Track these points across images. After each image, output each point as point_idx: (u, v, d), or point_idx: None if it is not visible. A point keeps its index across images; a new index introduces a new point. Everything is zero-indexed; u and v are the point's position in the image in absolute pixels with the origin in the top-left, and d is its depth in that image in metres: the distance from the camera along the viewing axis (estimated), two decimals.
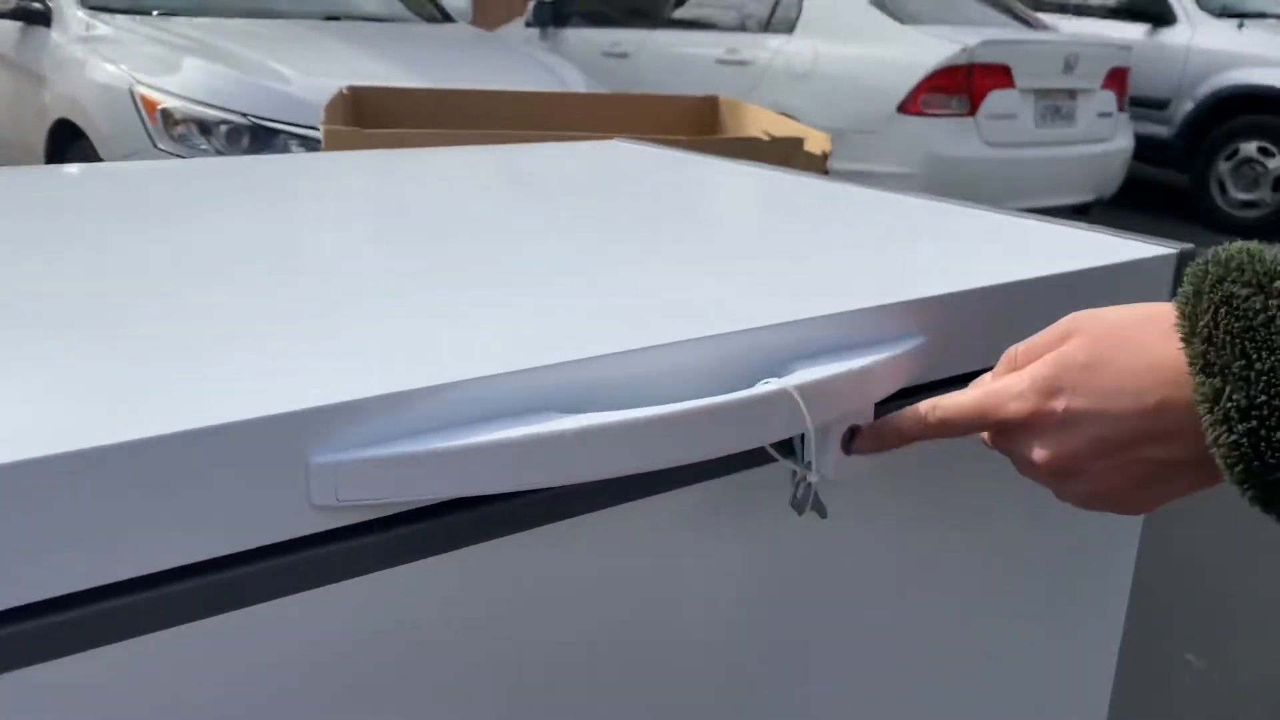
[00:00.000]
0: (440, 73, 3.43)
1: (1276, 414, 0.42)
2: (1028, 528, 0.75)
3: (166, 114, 3.02)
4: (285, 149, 3.02)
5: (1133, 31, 5.98)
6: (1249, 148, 5.69)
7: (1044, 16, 5.77)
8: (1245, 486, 0.44)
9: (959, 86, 4.36)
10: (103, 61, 3.27)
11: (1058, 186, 4.78)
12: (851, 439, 0.56)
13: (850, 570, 0.64)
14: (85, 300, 0.54)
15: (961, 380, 0.65)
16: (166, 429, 0.39)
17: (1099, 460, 0.49)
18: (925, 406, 0.54)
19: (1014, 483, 0.68)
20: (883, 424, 0.56)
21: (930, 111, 4.34)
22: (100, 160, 3.18)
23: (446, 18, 4.39)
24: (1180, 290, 0.47)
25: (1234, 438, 0.43)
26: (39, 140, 3.52)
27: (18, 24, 3.70)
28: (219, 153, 3.00)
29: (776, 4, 4.91)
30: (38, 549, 0.37)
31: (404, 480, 0.43)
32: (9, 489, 0.36)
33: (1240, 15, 5.95)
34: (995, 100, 4.43)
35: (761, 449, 0.54)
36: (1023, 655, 0.79)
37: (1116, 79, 4.91)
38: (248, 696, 0.43)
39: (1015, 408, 0.51)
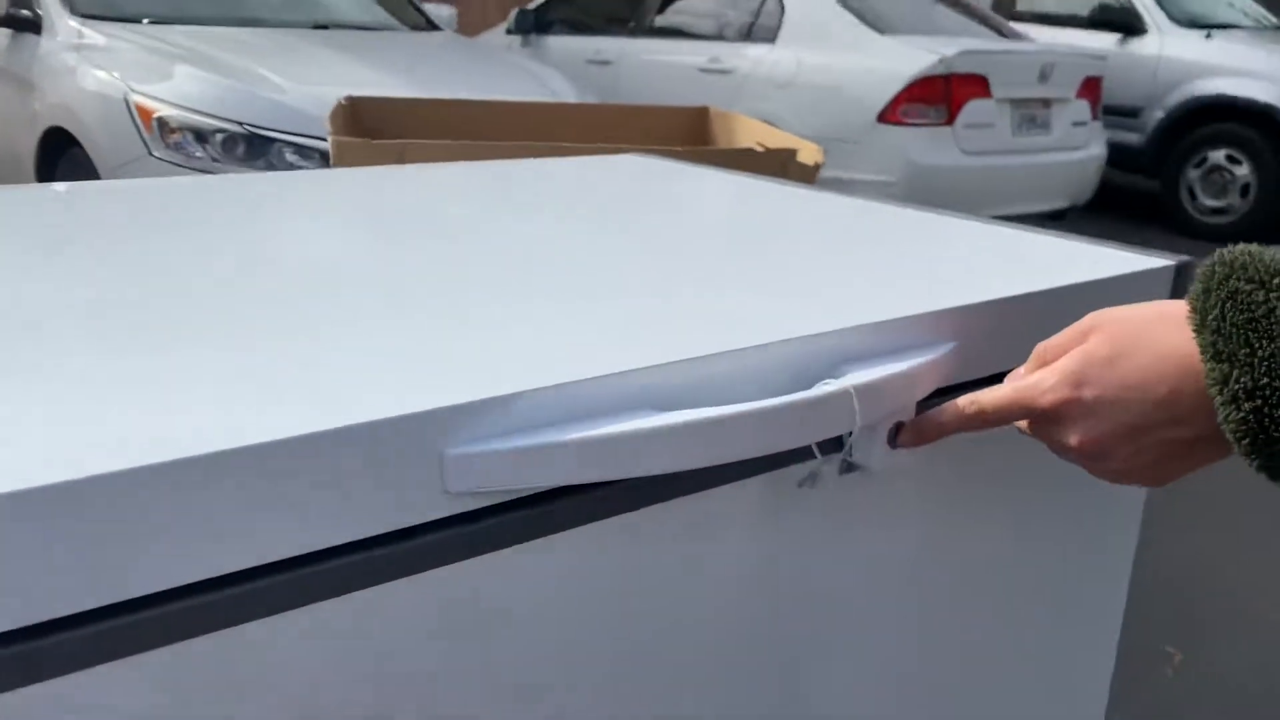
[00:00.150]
0: (431, 81, 3.48)
1: (1278, 394, 0.49)
2: (1031, 534, 0.81)
3: (163, 122, 3.05)
4: (280, 157, 3.06)
5: (1104, 41, 6.11)
6: (1217, 155, 5.83)
7: (1018, 26, 5.89)
8: (1252, 458, 0.51)
9: (937, 96, 4.45)
10: (96, 70, 3.29)
11: (1034, 193, 4.89)
12: (897, 434, 0.62)
13: (870, 568, 0.70)
14: (214, 310, 0.60)
15: (987, 381, 0.72)
16: (325, 425, 0.45)
17: (1123, 443, 0.56)
18: (964, 401, 0.61)
19: (1016, 490, 0.74)
20: (924, 419, 0.63)
21: (909, 121, 4.43)
22: (94, 167, 3.20)
23: (433, 26, 4.44)
24: (1191, 288, 0.54)
25: (1241, 414, 0.50)
26: (29, 147, 3.53)
27: (6, 31, 3.72)
28: (215, 161, 3.04)
29: (758, 14, 4.99)
30: (223, 532, 0.43)
31: (524, 469, 0.49)
32: (205, 477, 0.41)
33: (1208, 26, 6.09)
34: (972, 110, 4.52)
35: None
36: (1026, 654, 0.85)
37: (1090, 88, 5.03)
38: (388, 657, 0.49)
39: (1048, 399, 0.57)
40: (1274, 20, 6.69)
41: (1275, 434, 0.49)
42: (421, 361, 0.53)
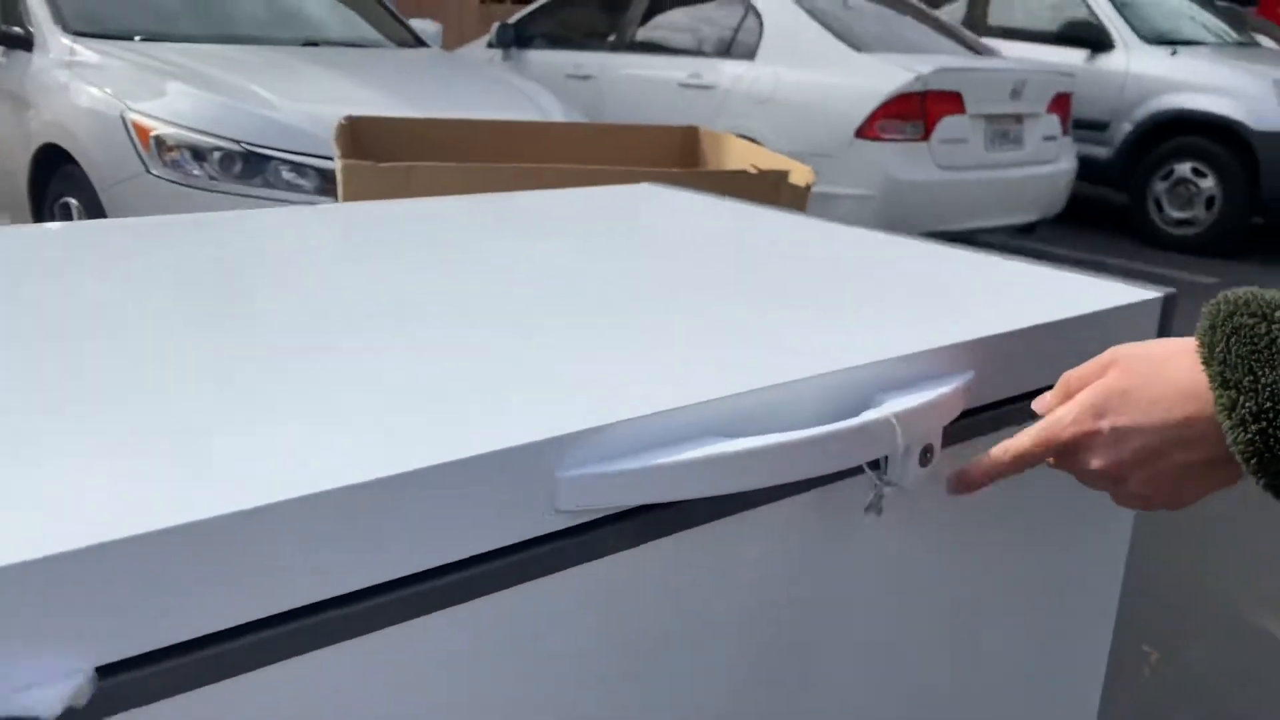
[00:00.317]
0: (422, 98, 3.54)
1: None
2: (1032, 546, 0.90)
3: (160, 141, 3.10)
4: (277, 174, 3.11)
5: (1073, 57, 6.26)
6: (1183, 168, 5.99)
7: (989, 41, 6.03)
8: (1259, 476, 0.58)
9: (913, 112, 4.56)
10: (91, 87, 3.33)
11: (1006, 207, 5.02)
12: (926, 455, 0.70)
13: (892, 574, 0.78)
14: (328, 348, 0.67)
15: (1000, 405, 0.81)
16: (459, 455, 0.52)
17: (1141, 467, 0.63)
18: (998, 450, 0.69)
19: (1018, 506, 0.83)
20: (969, 471, 0.70)
21: (886, 136, 4.54)
22: (89, 184, 3.24)
23: (420, 42, 4.50)
24: (1199, 325, 0.62)
25: (1248, 436, 0.57)
26: (23, 164, 3.56)
27: None
28: (212, 179, 3.09)
29: (737, 30, 5.09)
30: (368, 548, 0.50)
31: (620, 490, 0.57)
32: (369, 501, 0.49)
33: (1174, 43, 6.26)
34: (947, 125, 4.64)
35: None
36: (1028, 659, 0.94)
37: (1060, 104, 5.16)
38: (507, 658, 0.56)
39: (1070, 432, 0.65)
40: (1236, 37, 6.88)
41: (1279, 452, 0.56)
42: (526, 393, 0.61)
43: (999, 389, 0.80)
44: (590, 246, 1.02)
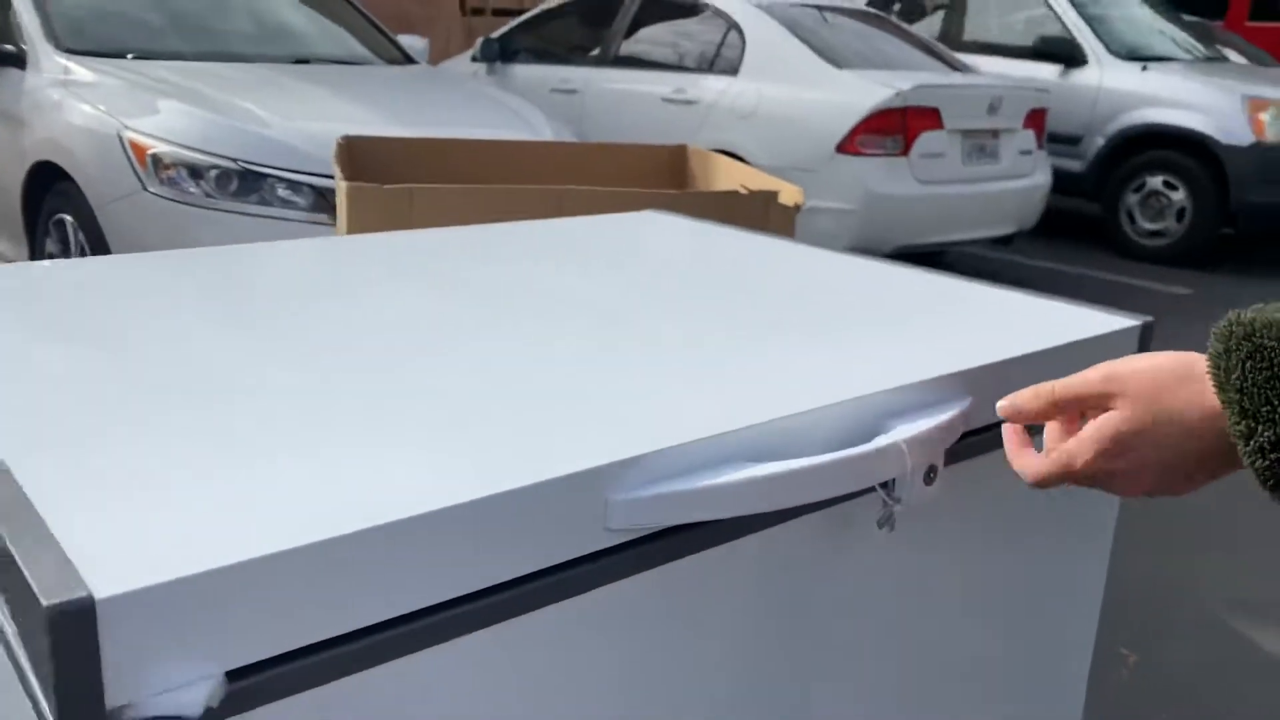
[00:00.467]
0: (413, 116, 3.60)
1: None
2: (1020, 555, 0.97)
3: (157, 159, 3.14)
4: (272, 192, 3.16)
5: (1047, 72, 6.39)
6: (1155, 181, 6.13)
7: (965, 56, 6.14)
8: (1276, 497, 0.60)
9: (893, 128, 4.66)
10: (86, 105, 3.37)
11: (983, 219, 5.12)
12: (930, 475, 0.78)
13: (898, 581, 0.85)
14: (389, 390, 0.74)
15: (990, 429, 0.88)
16: (524, 482, 0.59)
17: (1160, 480, 0.67)
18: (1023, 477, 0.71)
19: (1007, 516, 0.90)
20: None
21: (867, 151, 4.63)
22: (85, 201, 3.28)
23: (408, 59, 4.56)
24: (1210, 347, 0.63)
25: (1267, 463, 0.59)
26: (17, 181, 3.59)
27: None
28: (208, 196, 3.13)
29: (720, 47, 5.18)
30: (451, 564, 0.57)
31: (665, 510, 0.64)
32: (456, 522, 0.56)
33: (1145, 59, 6.40)
34: (926, 140, 4.74)
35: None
36: (1018, 661, 1.01)
37: (1035, 119, 5.28)
38: (565, 660, 0.63)
39: (1089, 470, 0.67)
40: (1205, 52, 7.03)
41: None
42: (577, 422, 0.67)
43: (993, 413, 0.87)
44: (609, 278, 1.09)
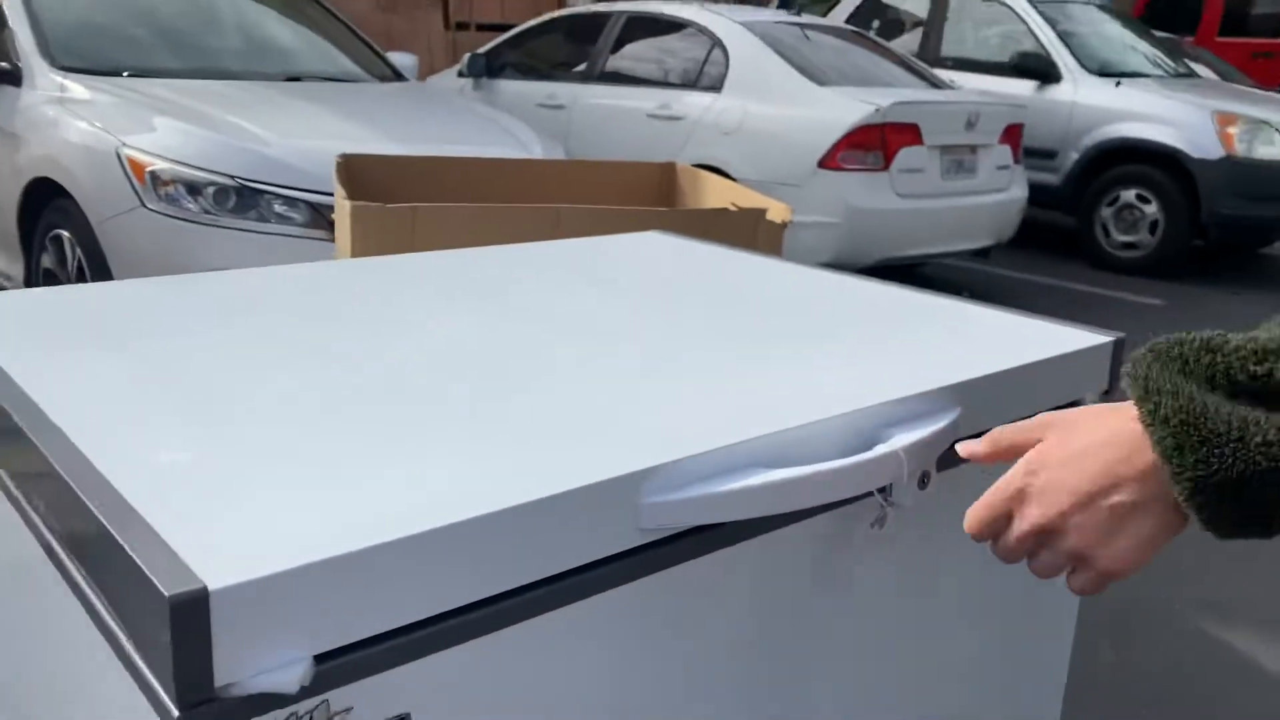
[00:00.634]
0: (405, 132, 3.67)
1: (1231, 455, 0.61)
2: (998, 573, 1.04)
3: (155, 176, 3.19)
4: (269, 208, 3.22)
5: (1023, 88, 6.52)
6: (1128, 195, 6.26)
7: (942, 73, 6.27)
8: (1180, 473, 0.62)
9: (873, 143, 4.76)
10: (84, 123, 3.42)
11: (962, 233, 5.23)
12: (924, 480, 0.85)
13: (896, 578, 0.93)
14: (435, 403, 0.80)
15: (977, 437, 0.95)
16: (568, 487, 0.66)
17: (1077, 513, 0.66)
18: (970, 523, 0.73)
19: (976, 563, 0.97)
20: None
21: (848, 166, 4.73)
22: (82, 218, 3.33)
23: (398, 76, 4.62)
24: (1125, 365, 0.68)
25: (1168, 431, 0.62)
26: (13, 198, 3.63)
27: None
28: (206, 212, 3.19)
29: (705, 63, 5.27)
30: (504, 561, 0.64)
31: (690, 512, 0.71)
32: (516, 521, 0.63)
33: (1118, 75, 6.54)
34: (906, 156, 4.85)
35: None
36: (1001, 659, 1.08)
37: (1012, 135, 5.40)
38: (598, 648, 0.70)
39: (1010, 488, 0.70)
40: (1175, 68, 7.18)
41: (1216, 479, 0.61)
42: (609, 433, 0.75)
43: (980, 422, 0.94)
44: (622, 299, 1.17)
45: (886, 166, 4.80)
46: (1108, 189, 6.34)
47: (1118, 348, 1.08)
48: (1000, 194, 5.34)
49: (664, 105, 5.26)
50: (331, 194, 3.20)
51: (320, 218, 3.26)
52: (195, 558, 0.55)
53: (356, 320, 1.01)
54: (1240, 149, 6.02)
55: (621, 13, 5.86)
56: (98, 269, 3.33)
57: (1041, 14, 6.75)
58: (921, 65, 5.95)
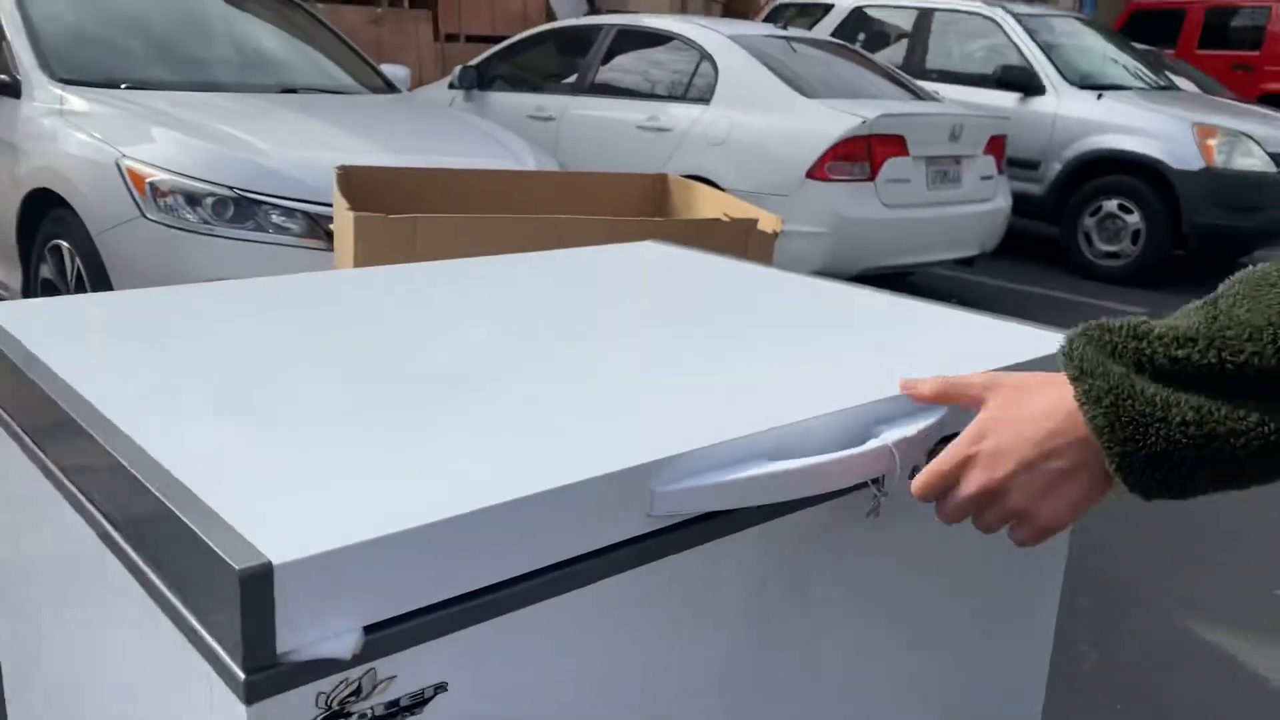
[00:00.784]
0: (400, 144, 3.73)
1: (1143, 421, 0.70)
2: (984, 548, 1.11)
3: (155, 186, 3.24)
4: (267, 219, 3.27)
5: (1006, 100, 6.63)
6: (1110, 205, 6.37)
7: (927, 84, 6.36)
8: (1110, 447, 0.71)
9: (860, 154, 4.85)
10: (84, 135, 3.47)
11: (947, 242, 5.32)
12: (914, 473, 0.91)
13: (889, 567, 0.99)
14: (471, 400, 0.86)
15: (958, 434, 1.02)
16: (584, 476, 0.72)
17: (1019, 476, 0.76)
18: (918, 485, 0.84)
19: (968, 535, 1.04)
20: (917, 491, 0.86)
21: (835, 177, 4.81)
22: (83, 228, 3.37)
23: (391, 88, 4.68)
24: (1065, 364, 0.76)
25: (1101, 410, 0.72)
26: (12, 208, 3.68)
27: None
28: (205, 223, 3.24)
29: (693, 76, 5.35)
30: (533, 542, 0.70)
31: (699, 500, 0.77)
32: (541, 506, 0.69)
33: (1100, 87, 6.65)
34: (892, 166, 4.93)
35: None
36: (982, 657, 1.14)
37: (996, 145, 5.49)
38: (613, 625, 0.76)
39: (958, 455, 0.80)
40: (1156, 81, 7.30)
41: (1142, 454, 0.71)
42: (623, 428, 0.81)
43: (964, 420, 1.01)
44: (626, 304, 1.23)
45: (873, 177, 4.88)
46: (1090, 199, 6.45)
47: None
48: (985, 204, 5.44)
49: (653, 117, 5.33)
50: (327, 204, 3.26)
51: (317, 228, 3.31)
52: (257, 537, 0.60)
53: (381, 324, 1.07)
54: (1219, 160, 6.13)
55: (611, 26, 5.94)
56: (97, 278, 3.38)
57: (1024, 27, 6.86)
58: (906, 78, 6.04)
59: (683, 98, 5.33)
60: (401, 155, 3.52)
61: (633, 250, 1.57)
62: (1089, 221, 6.47)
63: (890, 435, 0.88)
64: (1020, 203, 6.18)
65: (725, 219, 2.51)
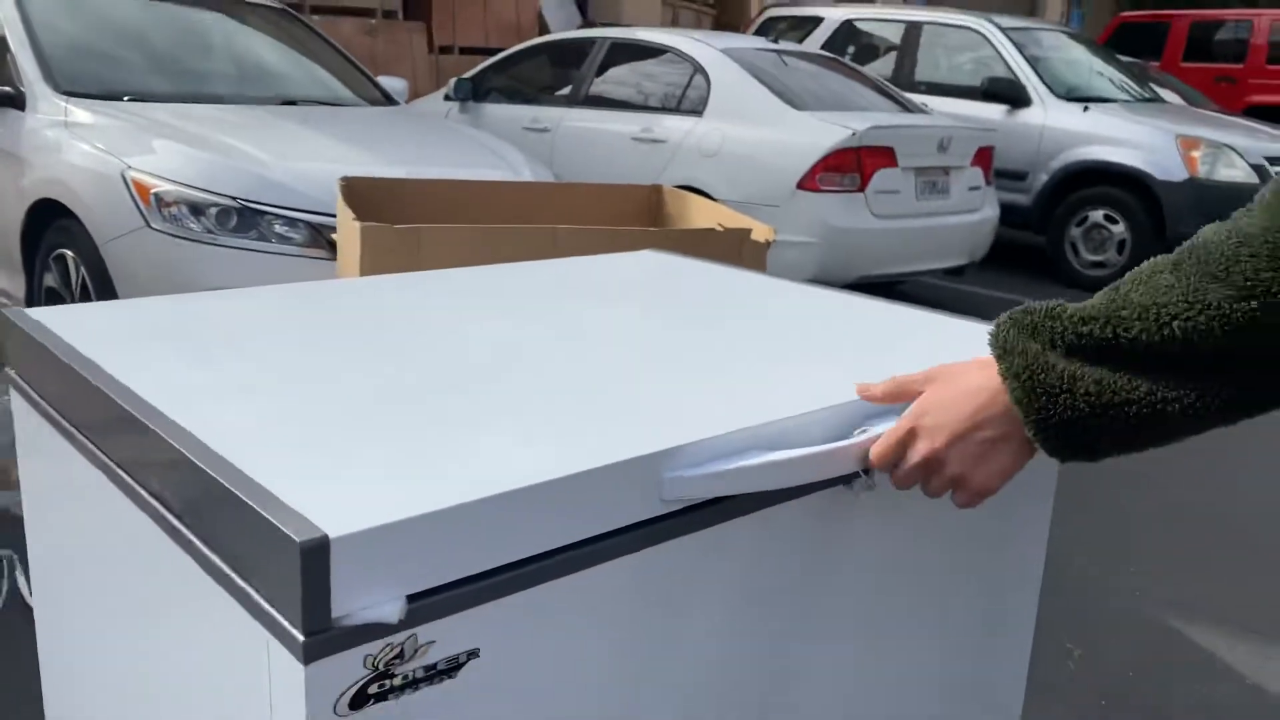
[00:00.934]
0: (399, 155, 3.80)
1: (1044, 386, 0.82)
2: (965, 549, 1.18)
3: (159, 197, 3.31)
4: (270, 228, 3.34)
5: (994, 112, 6.73)
6: (1096, 215, 6.47)
7: (916, 97, 6.46)
8: (1028, 416, 0.83)
9: (850, 166, 4.94)
10: (89, 146, 3.53)
11: (936, 252, 5.41)
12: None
13: (880, 558, 1.06)
14: (501, 397, 0.93)
15: None
16: (602, 462, 0.79)
17: (954, 446, 0.87)
18: (875, 456, 0.93)
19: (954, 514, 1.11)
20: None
21: (826, 188, 4.90)
22: (87, 237, 3.44)
23: (389, 100, 4.76)
24: (991, 344, 0.87)
25: (1019, 385, 0.83)
26: (16, 218, 3.73)
27: None
28: (209, 232, 3.31)
29: (686, 88, 5.43)
30: (555, 523, 0.77)
31: (705, 486, 0.84)
32: (564, 489, 0.76)
33: (1086, 100, 6.76)
34: (881, 178, 5.02)
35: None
36: (961, 655, 1.22)
37: (983, 157, 5.59)
38: (627, 600, 0.83)
39: (903, 429, 0.91)
40: (1142, 93, 7.41)
41: (1054, 421, 0.83)
42: (635, 420, 0.88)
43: None
44: (631, 309, 1.30)
45: (863, 188, 4.97)
46: (1076, 209, 6.55)
47: None
48: (973, 214, 5.53)
49: (647, 129, 5.41)
50: (328, 214, 3.33)
51: (319, 237, 3.38)
52: (314, 514, 0.67)
53: (404, 326, 1.14)
54: (1203, 171, 6.24)
55: (605, 39, 6.03)
56: (102, 287, 3.44)
57: (1012, 40, 6.97)
58: (896, 90, 6.14)
59: (676, 110, 5.42)
60: (401, 166, 3.59)
61: (633, 259, 1.64)
62: (1075, 231, 6.57)
63: (877, 429, 0.95)
64: (1008, 213, 6.28)
65: (720, 229, 2.59)
